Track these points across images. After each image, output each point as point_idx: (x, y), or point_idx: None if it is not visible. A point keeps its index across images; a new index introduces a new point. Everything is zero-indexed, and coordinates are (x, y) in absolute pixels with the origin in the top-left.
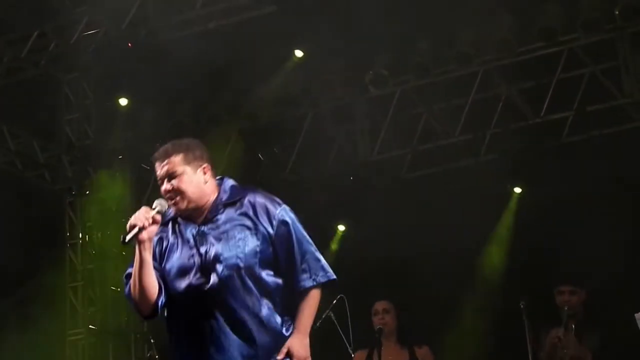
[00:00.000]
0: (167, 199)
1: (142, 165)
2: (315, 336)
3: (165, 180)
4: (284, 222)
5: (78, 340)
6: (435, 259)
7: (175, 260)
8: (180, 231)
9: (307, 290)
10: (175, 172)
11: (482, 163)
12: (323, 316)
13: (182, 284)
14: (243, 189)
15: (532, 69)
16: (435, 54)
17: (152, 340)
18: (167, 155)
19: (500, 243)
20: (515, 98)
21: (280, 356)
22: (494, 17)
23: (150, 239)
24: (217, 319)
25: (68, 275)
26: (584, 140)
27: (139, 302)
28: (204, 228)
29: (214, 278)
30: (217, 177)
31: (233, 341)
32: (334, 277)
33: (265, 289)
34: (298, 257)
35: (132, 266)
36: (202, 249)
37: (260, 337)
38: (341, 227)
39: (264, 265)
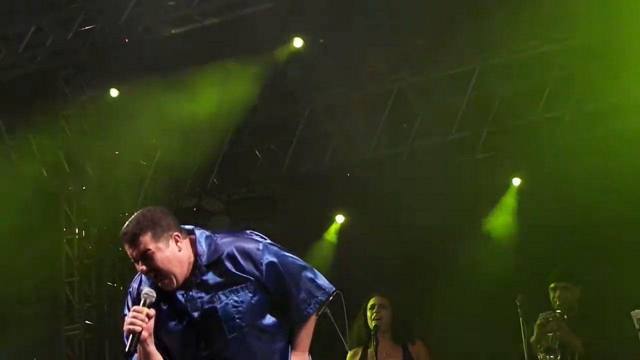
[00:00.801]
0: (150, 279)
1: (140, 161)
2: (313, 335)
3: (140, 262)
4: (271, 264)
5: (74, 336)
6: (433, 255)
7: (172, 329)
8: (169, 297)
9: (310, 315)
10: (148, 251)
11: (479, 160)
12: (319, 313)
13: (188, 354)
14: (217, 242)
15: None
16: (433, 51)
17: None
18: (135, 237)
19: (498, 239)
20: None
21: None
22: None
23: (150, 335)
24: None
25: (64, 270)
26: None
27: None
28: (193, 293)
29: (221, 343)
30: (186, 229)
31: None
32: (333, 289)
33: (274, 332)
34: (294, 290)
35: (126, 346)
36: (196, 314)
37: None
38: (338, 221)
39: (265, 311)
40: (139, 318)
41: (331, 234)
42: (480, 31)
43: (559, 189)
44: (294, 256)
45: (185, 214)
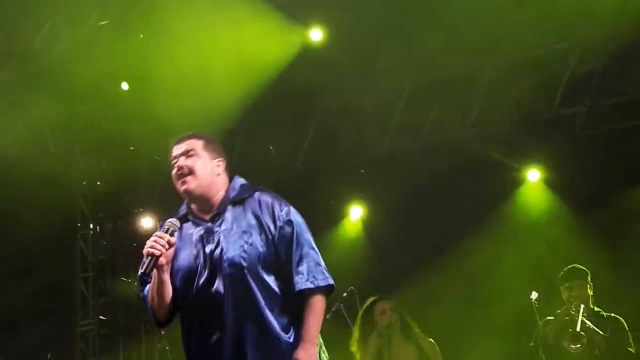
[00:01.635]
0: (177, 178)
1: (155, 156)
2: (326, 329)
3: (181, 158)
4: (288, 222)
5: (89, 331)
6: (446, 252)
7: (182, 261)
8: (188, 232)
9: (307, 295)
10: (193, 150)
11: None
12: (333, 309)
13: (189, 285)
14: (252, 187)
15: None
16: (447, 47)
17: (162, 332)
18: (189, 137)
19: (513, 234)
20: (527, 92)
21: None
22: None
23: (168, 262)
24: (222, 322)
25: (79, 265)
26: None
27: (155, 312)
28: (211, 226)
29: (218, 279)
30: (229, 171)
31: (235, 346)
32: (332, 283)
33: (269, 294)
34: (296, 258)
35: (142, 266)
36: (208, 248)
37: (263, 342)
38: (352, 217)
39: (268, 269)
40: (159, 243)
41: (345, 229)
42: (494, 27)
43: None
44: (311, 237)
45: None
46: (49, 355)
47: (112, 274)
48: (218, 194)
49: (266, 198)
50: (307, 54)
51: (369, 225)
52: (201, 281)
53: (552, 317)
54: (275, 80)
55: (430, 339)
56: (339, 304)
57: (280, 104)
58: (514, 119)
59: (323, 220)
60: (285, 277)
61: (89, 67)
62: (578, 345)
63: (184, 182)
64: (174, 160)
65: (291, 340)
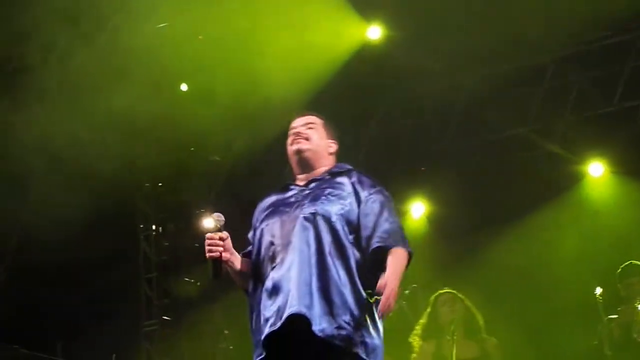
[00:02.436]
0: (292, 141)
1: (215, 157)
2: (388, 327)
3: (301, 126)
4: (378, 192)
5: (153, 332)
6: (507, 246)
7: (270, 216)
8: (282, 195)
9: (391, 251)
10: (313, 124)
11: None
12: (396, 306)
13: (273, 236)
14: (350, 167)
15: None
16: (505, 43)
17: (225, 332)
18: (313, 114)
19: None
20: (587, 87)
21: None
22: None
23: (232, 252)
24: (298, 268)
25: (142, 267)
26: None
27: (240, 283)
28: (305, 188)
29: (302, 230)
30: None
31: (308, 293)
32: (411, 251)
33: (341, 250)
34: (382, 220)
35: (212, 273)
36: (297, 203)
37: (336, 293)
38: (414, 215)
39: (346, 225)
40: (213, 244)
41: (407, 226)
42: (553, 20)
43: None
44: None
45: None
46: (114, 356)
47: (176, 274)
48: (322, 168)
49: (364, 175)
50: (366, 51)
51: (432, 222)
52: (285, 231)
53: (615, 316)
54: (336, 78)
55: (494, 338)
56: (401, 301)
57: (341, 102)
58: (575, 112)
59: None
60: (368, 239)
61: (148, 68)
62: None
63: (298, 142)
64: (293, 129)
65: (361, 299)
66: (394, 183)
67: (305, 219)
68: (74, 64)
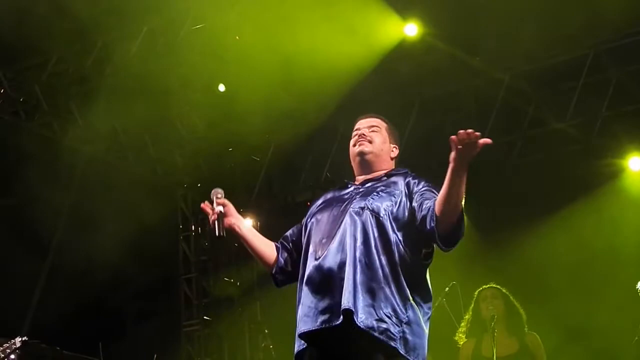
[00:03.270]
0: (355, 142)
1: (253, 157)
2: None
3: (365, 128)
4: (434, 187)
5: (193, 331)
6: (546, 243)
7: (322, 212)
8: (339, 192)
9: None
10: (377, 127)
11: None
12: (435, 304)
13: (323, 225)
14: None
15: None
16: (543, 39)
17: (266, 330)
18: (378, 118)
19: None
20: (625, 81)
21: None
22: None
23: (237, 218)
24: (345, 259)
25: (182, 267)
26: None
27: (263, 265)
28: (361, 186)
29: (351, 224)
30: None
31: (353, 288)
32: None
33: (387, 245)
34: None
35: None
36: (351, 198)
37: (375, 287)
38: None
39: (393, 222)
40: (210, 209)
41: None
42: (591, 15)
43: None
44: None
45: (300, 208)
46: (155, 356)
47: (215, 274)
48: (381, 172)
49: (418, 177)
50: (403, 47)
51: (470, 217)
52: (332, 225)
53: None
54: (373, 74)
55: (535, 334)
56: (442, 299)
57: (379, 97)
58: (614, 106)
59: None
60: (416, 234)
61: (185, 70)
62: None
63: (361, 144)
64: (357, 129)
65: (404, 295)
66: (431, 179)
67: (354, 213)
68: (110, 68)
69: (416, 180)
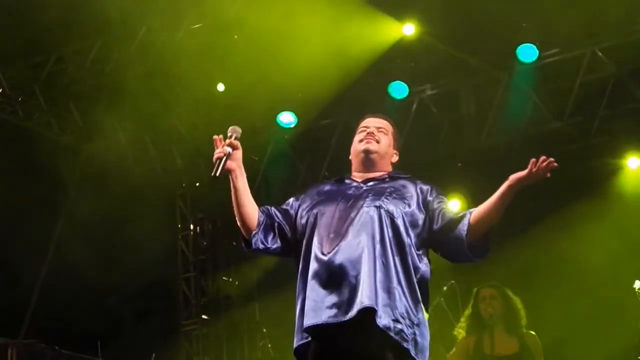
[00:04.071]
0: (363, 138)
1: (252, 156)
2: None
3: (374, 128)
4: (439, 195)
5: (192, 331)
6: (545, 240)
7: (325, 206)
8: (339, 187)
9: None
10: (386, 129)
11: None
12: (434, 303)
13: (327, 222)
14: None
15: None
16: (542, 37)
17: (264, 330)
18: (387, 120)
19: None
20: (624, 80)
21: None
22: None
23: (239, 166)
24: (355, 258)
25: (180, 266)
26: None
27: (242, 227)
28: (362, 184)
29: (357, 221)
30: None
31: (367, 286)
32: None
33: (401, 247)
34: (445, 208)
35: (213, 171)
36: (355, 197)
37: (388, 287)
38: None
39: (407, 225)
40: (218, 142)
41: None
42: (592, 14)
43: None
44: None
45: None
46: (153, 355)
47: (213, 273)
48: (383, 173)
49: (420, 181)
50: (400, 47)
51: None
52: (342, 221)
53: None
54: (368, 75)
55: (534, 333)
56: (440, 298)
57: (375, 97)
58: (612, 105)
59: None
60: (427, 239)
61: (184, 69)
62: None
63: (368, 142)
64: (365, 127)
65: (416, 297)
66: (428, 179)
67: (371, 211)
68: (109, 67)
69: (429, 187)
